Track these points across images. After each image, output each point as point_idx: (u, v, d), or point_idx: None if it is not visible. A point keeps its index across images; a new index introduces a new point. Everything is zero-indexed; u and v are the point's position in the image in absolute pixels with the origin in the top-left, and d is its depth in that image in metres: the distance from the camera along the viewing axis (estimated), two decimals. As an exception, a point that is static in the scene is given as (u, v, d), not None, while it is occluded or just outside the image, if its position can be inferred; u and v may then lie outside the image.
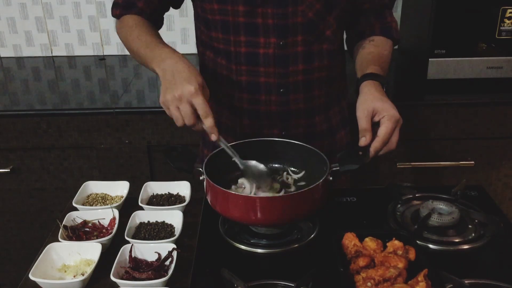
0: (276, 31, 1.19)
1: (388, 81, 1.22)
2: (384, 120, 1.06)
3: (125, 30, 1.26)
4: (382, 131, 1.06)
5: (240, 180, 1.15)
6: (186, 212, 1.17)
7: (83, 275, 0.98)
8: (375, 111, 1.08)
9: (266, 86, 1.25)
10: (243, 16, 1.18)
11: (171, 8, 1.36)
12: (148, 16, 1.28)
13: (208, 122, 1.05)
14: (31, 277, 0.96)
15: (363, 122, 1.08)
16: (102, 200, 1.24)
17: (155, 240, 1.08)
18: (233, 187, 1.16)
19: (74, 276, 1.00)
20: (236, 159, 1.12)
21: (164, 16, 1.36)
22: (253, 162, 1.13)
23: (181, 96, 1.04)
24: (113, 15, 1.32)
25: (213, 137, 1.06)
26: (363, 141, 1.07)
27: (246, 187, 1.13)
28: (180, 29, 2.31)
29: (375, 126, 1.09)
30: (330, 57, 1.26)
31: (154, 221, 1.14)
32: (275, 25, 1.18)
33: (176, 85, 1.05)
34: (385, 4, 1.32)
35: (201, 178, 1.09)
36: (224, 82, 1.28)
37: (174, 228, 1.13)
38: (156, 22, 1.32)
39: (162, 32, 1.30)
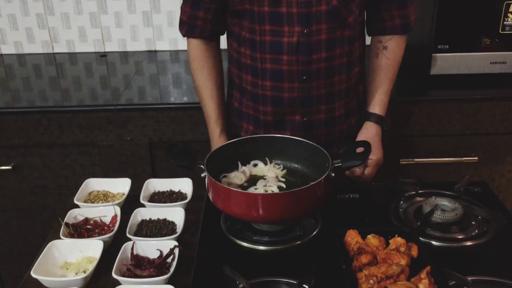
0: (300, 20, 1.22)
1: (389, 121, 1.40)
2: (371, 164, 1.31)
3: (195, 73, 1.40)
4: (367, 172, 1.32)
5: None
6: (187, 209, 1.17)
7: (84, 272, 0.98)
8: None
9: (289, 74, 1.28)
10: (268, 6, 1.21)
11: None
12: (208, 35, 1.36)
13: None
14: (33, 274, 0.96)
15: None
16: (104, 197, 1.24)
17: (156, 237, 1.08)
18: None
19: (76, 274, 1.00)
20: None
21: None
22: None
23: None
24: (181, 33, 1.40)
25: None
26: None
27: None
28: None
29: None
30: (351, 43, 1.29)
31: (156, 218, 1.14)
32: (299, 13, 1.21)
33: None
34: None
35: (202, 175, 1.09)
36: (248, 71, 1.31)
37: (175, 225, 1.12)
38: (216, 40, 1.41)
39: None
